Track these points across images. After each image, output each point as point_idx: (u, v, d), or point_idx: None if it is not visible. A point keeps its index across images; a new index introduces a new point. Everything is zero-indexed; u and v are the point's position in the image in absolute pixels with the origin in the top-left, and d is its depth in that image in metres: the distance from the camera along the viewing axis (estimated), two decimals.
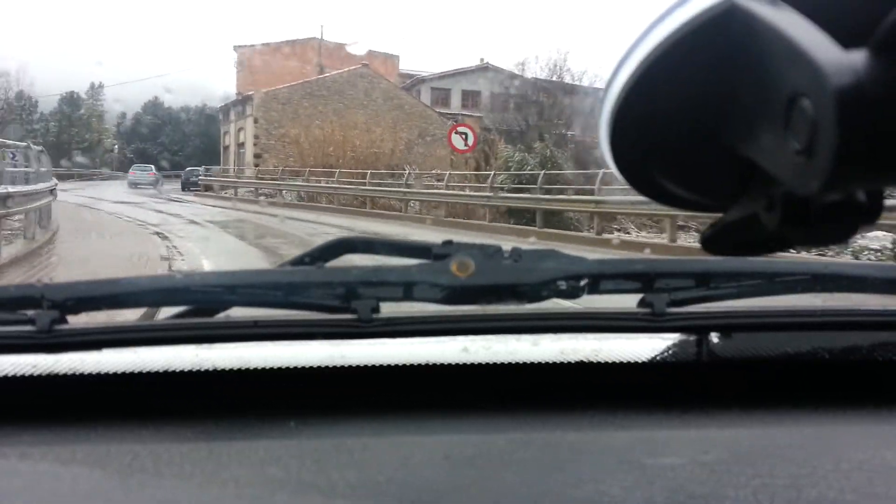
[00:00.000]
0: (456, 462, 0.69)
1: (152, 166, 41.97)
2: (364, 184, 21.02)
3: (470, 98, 37.01)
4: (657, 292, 0.85)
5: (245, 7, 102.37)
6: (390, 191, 20.04)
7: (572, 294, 0.84)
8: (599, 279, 0.86)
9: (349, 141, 26.28)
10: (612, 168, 0.43)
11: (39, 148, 13.60)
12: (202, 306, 0.89)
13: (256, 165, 32.21)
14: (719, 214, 0.47)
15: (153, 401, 0.80)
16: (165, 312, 0.91)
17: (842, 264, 1.02)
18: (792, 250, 0.54)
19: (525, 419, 0.77)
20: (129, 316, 0.92)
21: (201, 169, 37.01)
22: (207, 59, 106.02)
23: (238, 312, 0.89)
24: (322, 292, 0.84)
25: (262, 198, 25.05)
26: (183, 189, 35.16)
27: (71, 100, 61.43)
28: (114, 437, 0.73)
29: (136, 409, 0.78)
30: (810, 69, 0.32)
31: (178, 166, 43.03)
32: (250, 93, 34.89)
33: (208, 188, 32.09)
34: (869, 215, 0.39)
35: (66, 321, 0.79)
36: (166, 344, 0.85)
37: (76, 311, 0.81)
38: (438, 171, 21.40)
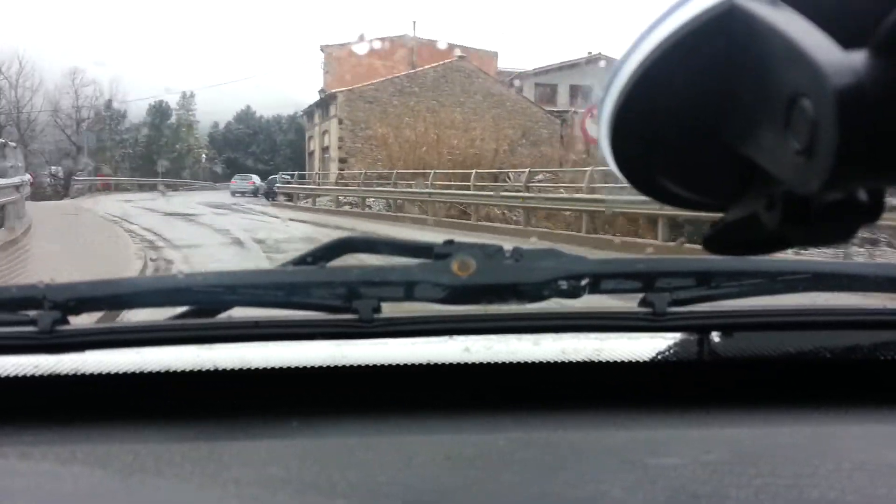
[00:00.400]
0: (457, 462, 0.69)
1: (253, 176, 41.72)
2: (468, 187, 16.78)
3: (579, 93, 33.62)
4: (658, 292, 0.85)
5: (332, 6, 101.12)
6: (510, 196, 15.22)
7: (573, 294, 0.84)
8: (600, 279, 0.86)
9: (445, 141, 22.94)
10: (613, 168, 0.44)
11: (14, 144, 14.06)
12: (204, 307, 0.89)
13: (341, 170, 28.93)
14: (720, 214, 0.47)
15: (154, 401, 0.80)
16: (167, 312, 0.90)
17: (842, 263, 1.01)
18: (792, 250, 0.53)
19: (526, 419, 0.78)
20: (131, 316, 0.90)
21: (278, 176, 34.52)
22: (294, 62, 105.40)
23: (239, 313, 0.89)
24: (324, 292, 0.84)
25: (345, 207, 22.08)
26: (266, 199, 32.48)
27: (160, 109, 60.11)
28: (115, 437, 0.74)
29: (138, 409, 0.79)
30: (810, 69, 0.32)
31: (268, 176, 41.07)
32: (333, 91, 31.88)
33: (289, 197, 29.12)
34: (869, 215, 0.39)
35: (67, 322, 0.80)
36: (168, 344, 0.85)
37: (78, 312, 0.82)
38: (550, 171, 17.64)
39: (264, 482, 0.65)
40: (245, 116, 62.15)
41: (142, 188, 46.16)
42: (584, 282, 0.83)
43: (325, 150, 34.35)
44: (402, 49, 35.55)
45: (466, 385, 0.84)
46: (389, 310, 0.82)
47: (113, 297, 0.86)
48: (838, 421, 0.78)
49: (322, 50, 39.65)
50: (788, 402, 0.81)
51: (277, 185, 32.29)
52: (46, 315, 0.78)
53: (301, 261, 0.94)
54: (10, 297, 0.83)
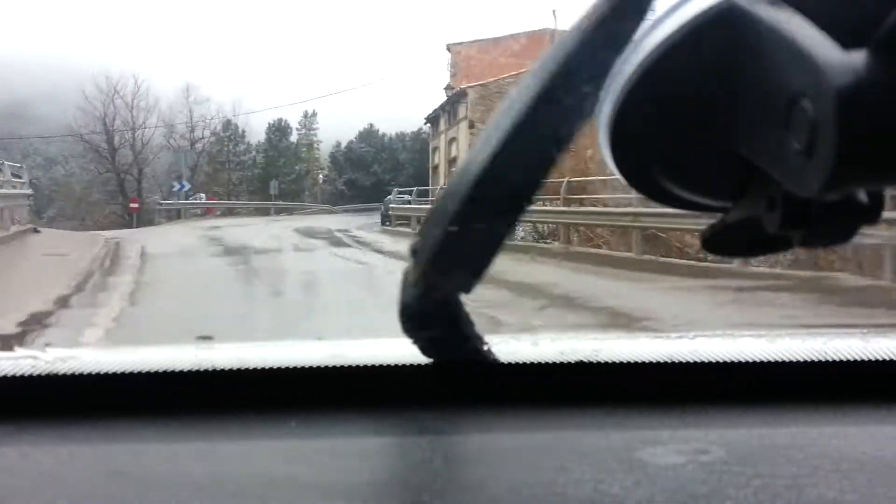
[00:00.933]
0: (456, 462, 0.70)
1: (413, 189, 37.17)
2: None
3: None
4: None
5: (458, 2, 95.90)
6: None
7: None
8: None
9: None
10: (613, 169, 0.44)
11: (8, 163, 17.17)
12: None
13: None
14: (719, 215, 0.47)
15: (153, 400, 0.80)
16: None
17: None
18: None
19: (525, 419, 0.78)
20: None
21: (392, 195, 28.96)
22: (417, 65, 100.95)
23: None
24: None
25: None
26: (382, 223, 26.84)
27: (279, 128, 57.23)
28: (114, 437, 0.74)
29: (137, 408, 0.79)
30: (811, 69, 0.32)
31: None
32: (463, 87, 25.96)
33: (402, 220, 23.28)
34: (869, 215, 0.39)
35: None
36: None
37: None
38: None
39: (263, 481, 0.65)
40: (368, 135, 59.18)
41: (258, 212, 42.29)
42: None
43: (451, 161, 29.15)
44: (541, 43, 29.30)
45: (466, 385, 0.83)
46: None
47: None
48: (837, 421, 0.78)
49: (448, 49, 34.17)
50: (788, 402, 0.81)
51: (392, 205, 26.62)
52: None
53: None
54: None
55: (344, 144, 60.15)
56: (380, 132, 59.98)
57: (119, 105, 46.27)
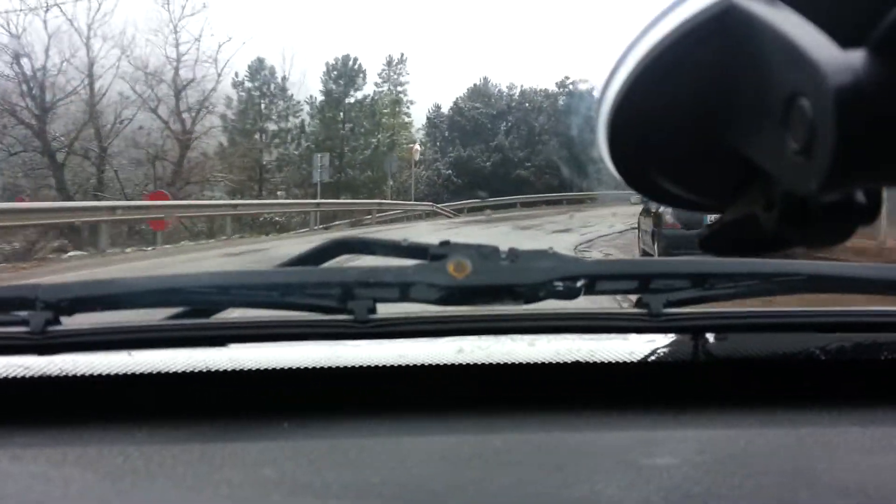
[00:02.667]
0: (452, 463, 0.69)
1: None
2: None
3: None
4: (653, 293, 0.85)
5: None
6: None
7: (569, 295, 0.84)
8: (596, 280, 0.86)
9: None
10: (611, 168, 0.44)
11: None
12: (198, 307, 0.89)
13: None
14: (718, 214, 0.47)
15: (146, 402, 0.80)
16: (161, 313, 0.90)
17: (837, 265, 0.99)
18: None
19: (521, 420, 0.77)
20: (125, 316, 0.89)
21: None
22: None
23: (234, 314, 0.89)
24: (318, 293, 0.84)
25: None
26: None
27: (346, 72, 34.69)
28: (106, 439, 0.73)
29: (129, 410, 0.78)
30: (809, 69, 0.32)
31: None
32: None
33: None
34: (867, 215, 0.39)
35: (59, 322, 0.80)
36: (161, 346, 0.85)
37: (70, 312, 0.81)
38: None
39: (257, 483, 0.65)
40: (481, 92, 36.38)
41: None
42: (579, 283, 0.83)
43: None
44: None
45: (461, 386, 0.84)
46: (385, 310, 0.82)
47: (106, 297, 0.86)
48: (831, 422, 0.78)
49: None
50: (782, 403, 0.81)
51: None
52: (38, 315, 0.78)
53: (296, 262, 0.94)
54: (1, 298, 0.83)
55: (448, 108, 38.30)
56: (499, 88, 38.52)
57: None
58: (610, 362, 0.85)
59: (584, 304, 0.87)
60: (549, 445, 0.72)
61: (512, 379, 0.85)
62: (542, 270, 0.82)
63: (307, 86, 34.14)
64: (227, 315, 0.89)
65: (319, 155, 25.30)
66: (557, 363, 0.85)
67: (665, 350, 0.89)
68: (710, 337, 0.90)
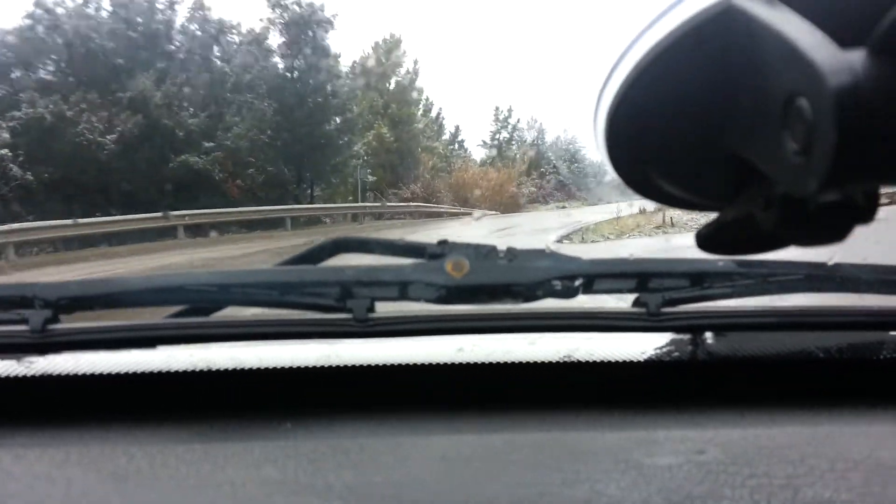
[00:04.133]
0: (453, 462, 0.69)
1: None
2: None
3: None
4: (652, 292, 0.85)
5: None
6: None
7: (567, 294, 0.84)
8: (594, 279, 0.86)
9: None
10: (609, 168, 0.44)
11: None
12: (198, 306, 0.90)
13: None
14: (716, 214, 0.47)
15: (148, 402, 0.80)
16: (161, 311, 0.90)
17: (834, 265, 0.96)
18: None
19: (521, 419, 0.77)
20: (124, 315, 0.90)
21: None
22: None
23: (234, 312, 0.89)
24: (317, 292, 0.84)
25: None
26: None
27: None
28: (108, 439, 0.73)
29: (131, 410, 0.78)
30: (808, 69, 0.32)
31: None
32: None
33: None
34: (865, 215, 0.39)
35: (59, 321, 0.80)
36: (161, 344, 0.85)
37: (70, 311, 0.81)
38: None
39: (259, 483, 0.65)
40: None
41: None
42: (577, 282, 0.83)
43: None
44: None
45: (461, 385, 0.84)
46: (383, 309, 0.82)
47: (105, 295, 0.85)
48: (832, 421, 0.78)
49: None
50: (782, 402, 0.81)
51: None
52: (38, 314, 0.78)
53: (294, 261, 0.94)
54: (1, 296, 0.82)
55: None
56: None
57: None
58: (609, 361, 0.85)
59: (582, 302, 0.87)
60: (549, 445, 0.72)
61: (511, 378, 0.85)
62: (540, 269, 0.82)
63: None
64: (226, 314, 0.90)
65: None
66: (557, 362, 0.85)
67: (664, 349, 0.89)
68: (709, 336, 0.90)
